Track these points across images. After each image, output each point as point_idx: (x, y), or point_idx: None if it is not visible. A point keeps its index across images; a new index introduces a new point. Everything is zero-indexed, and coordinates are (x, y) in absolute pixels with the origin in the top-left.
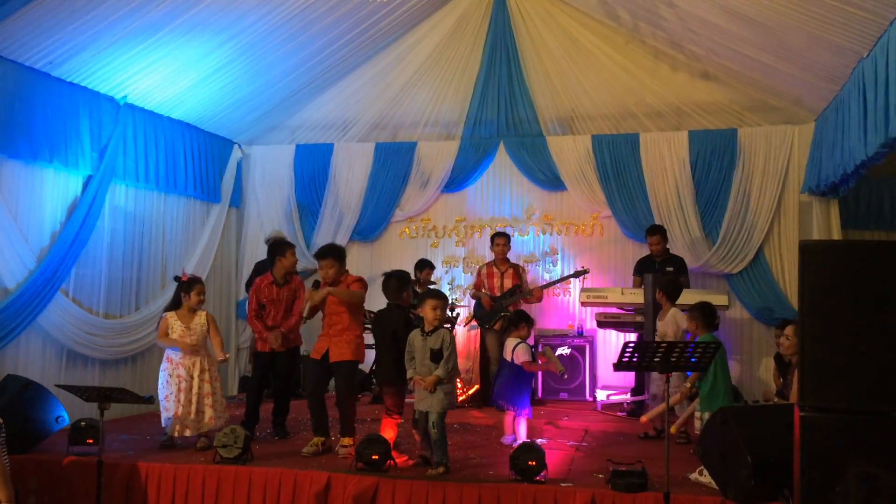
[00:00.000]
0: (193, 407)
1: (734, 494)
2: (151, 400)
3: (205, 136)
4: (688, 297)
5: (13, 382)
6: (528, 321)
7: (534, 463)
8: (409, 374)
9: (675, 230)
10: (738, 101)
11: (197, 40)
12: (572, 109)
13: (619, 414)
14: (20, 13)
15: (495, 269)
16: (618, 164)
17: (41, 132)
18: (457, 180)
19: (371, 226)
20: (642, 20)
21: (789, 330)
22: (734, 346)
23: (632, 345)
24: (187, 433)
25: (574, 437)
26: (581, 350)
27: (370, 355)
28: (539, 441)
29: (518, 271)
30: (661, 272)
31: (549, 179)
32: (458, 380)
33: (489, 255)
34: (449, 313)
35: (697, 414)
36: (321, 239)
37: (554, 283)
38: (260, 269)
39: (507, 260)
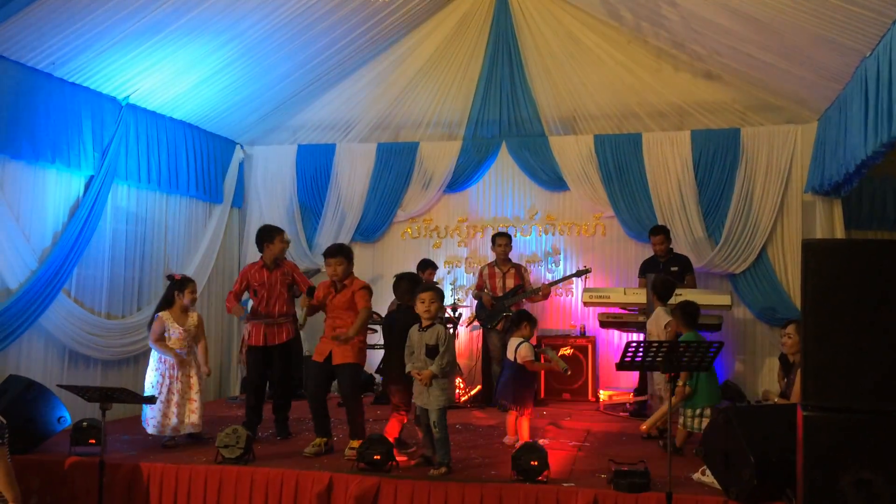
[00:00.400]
0: (178, 408)
1: (737, 494)
2: (153, 399)
3: (207, 136)
4: (690, 296)
5: (15, 383)
6: (530, 320)
7: (536, 463)
8: (407, 368)
9: (677, 230)
10: (740, 100)
11: (199, 41)
12: (574, 109)
13: (621, 414)
14: (22, 14)
15: (497, 270)
16: (620, 163)
17: (43, 133)
18: (459, 180)
19: (373, 226)
20: (645, 20)
21: (791, 329)
22: (737, 346)
23: (634, 344)
24: (170, 431)
25: (576, 438)
26: (583, 350)
27: (372, 358)
28: (541, 441)
29: (520, 271)
30: (665, 272)
31: (552, 179)
32: (460, 379)
33: (491, 256)
34: (451, 313)
35: (689, 411)
36: (323, 239)
37: (556, 282)
38: None
39: (509, 260)
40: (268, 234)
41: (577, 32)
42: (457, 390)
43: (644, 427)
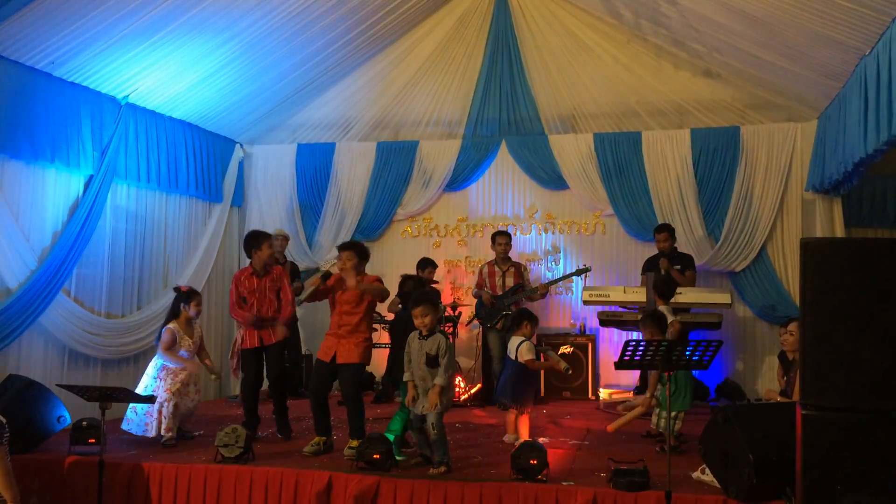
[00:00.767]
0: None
1: (736, 493)
2: (152, 399)
3: (206, 135)
4: (690, 295)
5: (15, 382)
6: (531, 319)
7: (535, 462)
8: (405, 376)
9: (677, 228)
10: (740, 98)
11: (198, 40)
12: (574, 108)
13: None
14: (21, 14)
15: (497, 268)
16: (620, 162)
17: (43, 132)
18: (458, 179)
19: (373, 225)
20: (644, 18)
21: (793, 326)
22: (737, 344)
23: (633, 343)
24: (151, 433)
25: (576, 436)
26: (583, 348)
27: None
28: (541, 440)
29: (520, 270)
30: (667, 271)
31: (551, 178)
32: (460, 378)
33: (491, 254)
34: (451, 312)
35: (677, 413)
36: (323, 238)
37: (555, 281)
38: None
39: (509, 259)
40: (255, 240)
41: (577, 30)
42: (457, 389)
43: (611, 428)
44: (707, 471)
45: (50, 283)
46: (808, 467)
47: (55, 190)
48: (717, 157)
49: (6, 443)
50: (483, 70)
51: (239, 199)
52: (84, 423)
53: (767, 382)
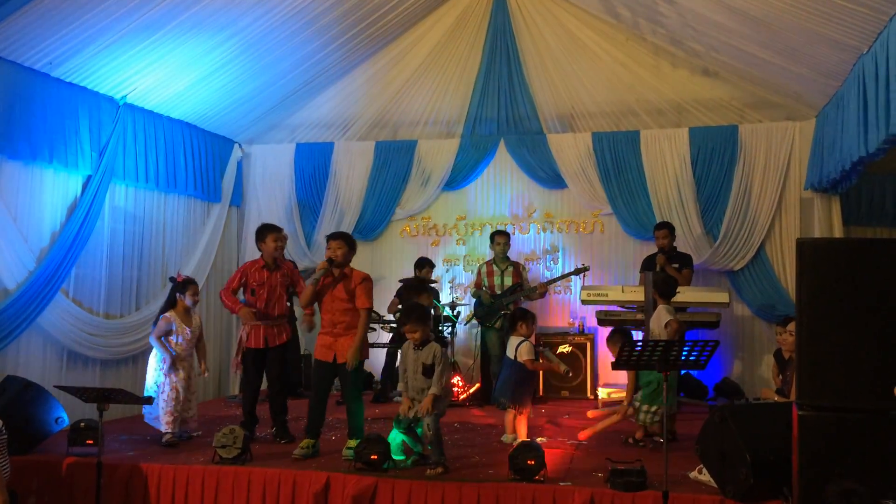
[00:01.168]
0: (182, 405)
1: (733, 493)
2: (150, 400)
3: (205, 135)
4: (688, 294)
5: (13, 383)
6: (526, 319)
7: (533, 462)
8: (399, 386)
9: (676, 227)
10: (738, 97)
11: (196, 39)
12: (572, 107)
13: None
14: (19, 14)
15: (495, 268)
16: (618, 161)
17: (41, 132)
18: (457, 178)
19: (372, 224)
20: (642, 17)
21: (793, 326)
22: (735, 343)
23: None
24: (173, 429)
25: (574, 436)
26: (582, 348)
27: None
28: (539, 440)
29: (518, 269)
30: (663, 268)
31: (550, 177)
32: (459, 377)
33: (490, 254)
34: (450, 312)
35: (647, 406)
36: (322, 237)
37: (554, 280)
38: None
39: (508, 258)
40: (259, 233)
41: (575, 30)
42: (455, 388)
43: (583, 435)
44: (704, 471)
45: (48, 284)
46: (804, 467)
47: (53, 190)
48: (715, 156)
49: (3, 446)
50: (481, 69)
51: (238, 198)
52: (82, 424)
53: (766, 381)
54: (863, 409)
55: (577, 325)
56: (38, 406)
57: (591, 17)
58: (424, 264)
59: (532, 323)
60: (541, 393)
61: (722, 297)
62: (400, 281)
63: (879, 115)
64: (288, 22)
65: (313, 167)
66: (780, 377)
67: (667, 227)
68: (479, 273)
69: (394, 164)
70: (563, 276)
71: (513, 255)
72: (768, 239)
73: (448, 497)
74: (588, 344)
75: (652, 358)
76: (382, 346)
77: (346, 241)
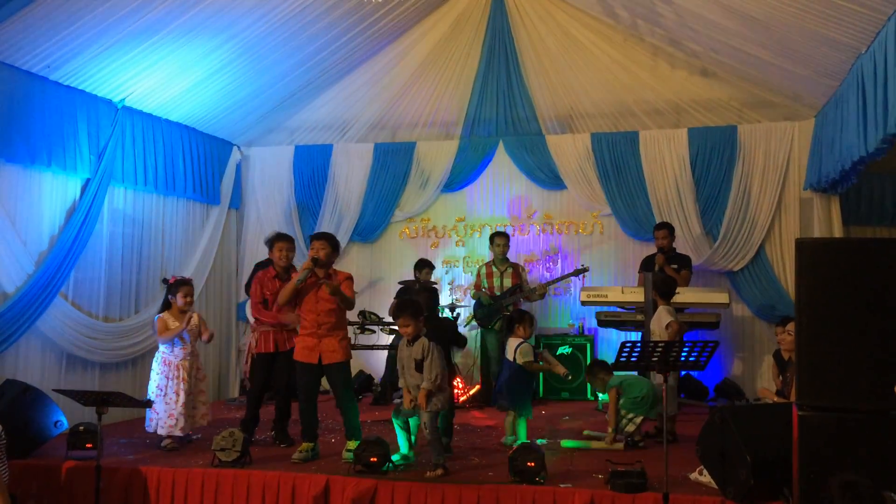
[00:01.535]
0: (185, 408)
1: (734, 494)
2: (149, 403)
3: (203, 138)
4: (688, 295)
5: (12, 387)
6: (522, 321)
7: (533, 464)
8: (399, 383)
9: (675, 228)
10: (737, 97)
11: (195, 42)
12: (571, 108)
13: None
14: (17, 17)
15: (495, 269)
16: (617, 162)
17: (39, 136)
18: (456, 180)
19: (371, 226)
20: (640, 17)
21: (792, 326)
22: (735, 343)
23: (629, 345)
24: (178, 432)
25: (574, 438)
26: (582, 349)
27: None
28: (539, 442)
29: (518, 271)
30: (662, 268)
31: (549, 178)
32: (459, 379)
33: (489, 255)
34: (449, 314)
35: (631, 415)
36: None
37: (553, 281)
38: (259, 270)
39: (507, 259)
40: (268, 242)
41: (573, 30)
42: (455, 390)
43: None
44: (705, 472)
45: (47, 287)
46: (805, 467)
47: (52, 194)
48: (714, 157)
49: (3, 450)
50: (480, 71)
51: (237, 201)
52: (81, 427)
53: (766, 382)
54: (863, 410)
55: (576, 326)
56: (37, 410)
57: (589, 17)
58: (424, 266)
59: (530, 325)
60: (541, 394)
61: (722, 297)
62: (399, 283)
63: (878, 115)
64: (286, 24)
65: (312, 169)
66: (780, 378)
67: (666, 228)
68: (478, 274)
69: (393, 165)
70: (563, 278)
71: (512, 256)
72: (768, 239)
73: (448, 499)
74: (588, 345)
75: (651, 359)
76: (382, 348)
77: (329, 242)
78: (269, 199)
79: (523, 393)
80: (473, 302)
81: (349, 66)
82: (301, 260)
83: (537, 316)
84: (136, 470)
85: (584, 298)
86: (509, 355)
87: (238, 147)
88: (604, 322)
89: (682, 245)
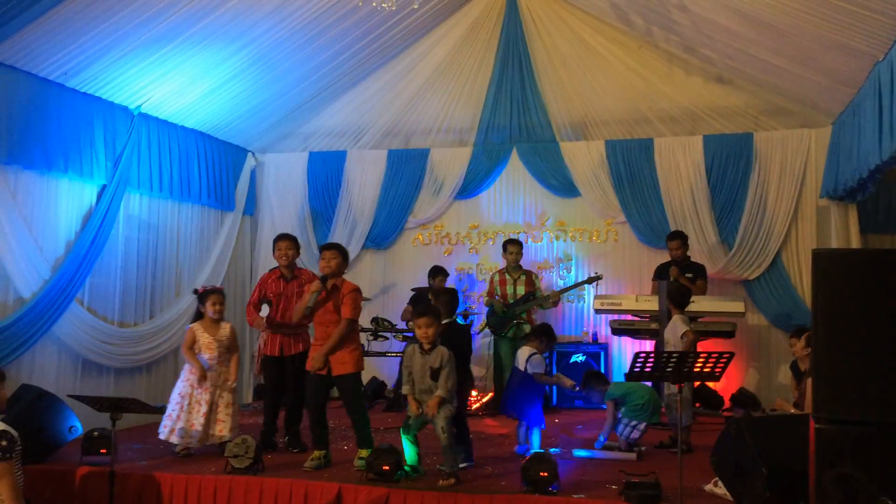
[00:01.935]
0: (205, 419)
1: None
2: (163, 410)
3: (218, 144)
4: (703, 304)
5: (27, 392)
6: (549, 336)
7: (546, 474)
8: (404, 389)
9: (690, 236)
10: (753, 104)
11: (210, 50)
12: (585, 115)
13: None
14: (34, 25)
15: (508, 276)
16: (632, 169)
17: (56, 142)
18: (470, 187)
19: (384, 233)
20: (655, 24)
21: (806, 336)
22: (751, 353)
23: (643, 355)
24: (193, 443)
25: (588, 447)
26: (596, 357)
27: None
28: (552, 451)
29: (531, 278)
30: (677, 279)
31: (563, 185)
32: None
33: (502, 262)
34: (462, 321)
35: (634, 423)
36: None
37: (567, 289)
38: None
39: (520, 267)
40: (273, 242)
41: (588, 37)
42: (469, 398)
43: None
44: (720, 483)
45: (63, 293)
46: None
47: (68, 200)
48: (730, 164)
49: (18, 456)
50: (494, 77)
51: (251, 207)
52: (95, 433)
53: (783, 392)
54: (881, 422)
55: (590, 334)
56: (51, 415)
57: (603, 24)
58: (437, 273)
59: (549, 342)
60: (554, 403)
61: (737, 306)
62: (412, 290)
63: (895, 122)
64: (300, 32)
65: (326, 176)
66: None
67: (679, 238)
68: (491, 282)
69: (406, 172)
70: (577, 285)
71: (525, 263)
72: (784, 248)
73: None
74: (602, 353)
75: (665, 369)
76: (396, 354)
77: (340, 252)
78: (283, 206)
79: (531, 402)
80: (486, 310)
81: (363, 73)
82: (310, 264)
83: (551, 324)
84: (149, 476)
85: (597, 306)
86: (519, 364)
87: (252, 153)
88: (617, 330)
89: (696, 253)
